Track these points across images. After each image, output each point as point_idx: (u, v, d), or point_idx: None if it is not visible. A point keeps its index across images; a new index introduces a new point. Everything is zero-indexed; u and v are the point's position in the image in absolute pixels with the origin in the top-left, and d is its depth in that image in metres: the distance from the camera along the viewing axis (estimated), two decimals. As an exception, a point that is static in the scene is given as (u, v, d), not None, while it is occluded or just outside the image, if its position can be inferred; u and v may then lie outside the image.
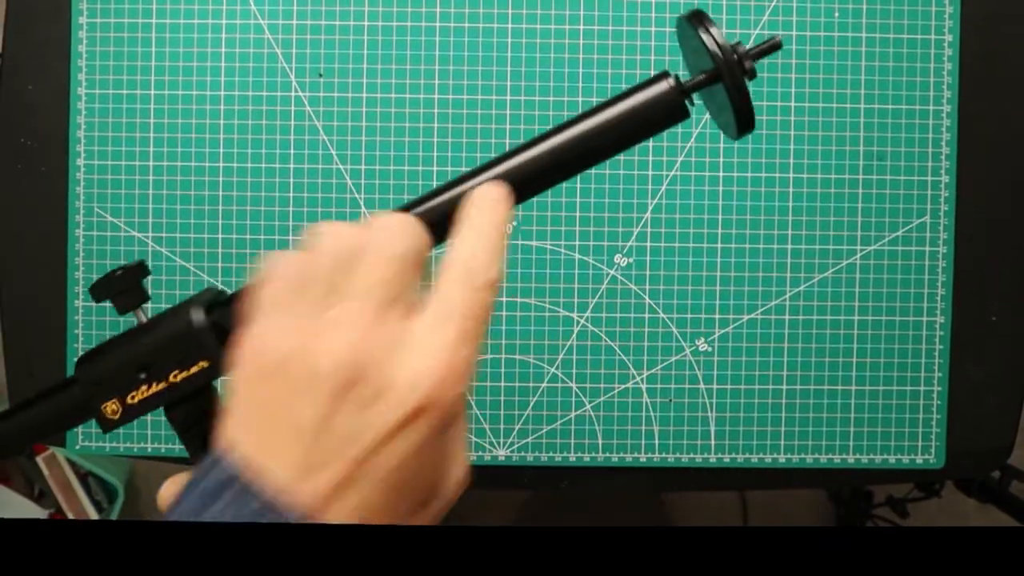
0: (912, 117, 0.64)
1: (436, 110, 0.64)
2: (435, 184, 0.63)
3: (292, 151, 0.64)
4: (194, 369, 0.39)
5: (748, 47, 0.37)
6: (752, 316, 0.64)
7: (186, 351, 0.39)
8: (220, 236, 0.64)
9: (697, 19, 0.37)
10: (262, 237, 0.64)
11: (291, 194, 0.64)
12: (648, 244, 0.64)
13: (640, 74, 0.63)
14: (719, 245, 0.64)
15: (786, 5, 0.64)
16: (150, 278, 0.64)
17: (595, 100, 0.62)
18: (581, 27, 0.64)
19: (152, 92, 0.64)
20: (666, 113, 0.38)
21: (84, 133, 0.64)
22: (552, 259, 0.64)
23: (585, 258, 0.64)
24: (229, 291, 0.42)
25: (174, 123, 0.64)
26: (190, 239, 0.64)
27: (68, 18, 0.64)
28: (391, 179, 0.64)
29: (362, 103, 0.64)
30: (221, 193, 0.64)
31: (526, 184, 0.38)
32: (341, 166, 0.64)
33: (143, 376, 0.39)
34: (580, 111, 0.39)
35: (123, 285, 0.41)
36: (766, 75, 0.64)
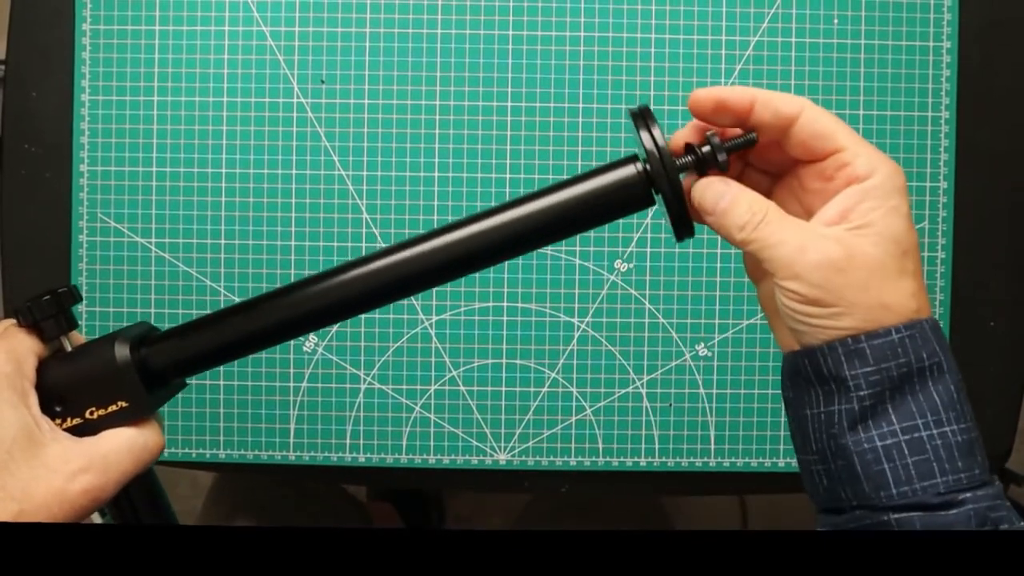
0: (911, 124, 0.65)
1: (438, 117, 0.64)
2: (435, 190, 0.64)
3: (294, 158, 0.64)
4: (112, 408, 0.37)
5: (720, 141, 0.34)
6: (752, 321, 0.64)
7: (104, 388, 0.37)
8: (223, 242, 0.64)
9: (639, 117, 0.35)
10: (264, 243, 0.64)
11: (293, 200, 0.64)
12: (648, 249, 0.64)
13: (640, 80, 0.64)
14: (719, 251, 0.64)
15: (785, 12, 0.64)
16: (153, 284, 0.64)
17: (595, 108, 0.63)
18: (582, 34, 0.64)
19: (155, 99, 0.64)
20: (631, 199, 0.36)
21: (88, 139, 0.64)
22: (553, 264, 0.64)
23: (585, 263, 0.64)
24: (161, 328, 0.40)
25: (177, 129, 0.64)
26: (193, 245, 0.64)
27: (72, 25, 0.64)
28: (392, 185, 0.64)
29: (364, 110, 0.64)
30: (224, 199, 0.64)
31: (483, 255, 0.36)
32: (343, 172, 0.64)
33: (58, 409, 0.37)
34: (550, 182, 0.37)
35: (50, 310, 0.38)
36: (765, 82, 0.64)
